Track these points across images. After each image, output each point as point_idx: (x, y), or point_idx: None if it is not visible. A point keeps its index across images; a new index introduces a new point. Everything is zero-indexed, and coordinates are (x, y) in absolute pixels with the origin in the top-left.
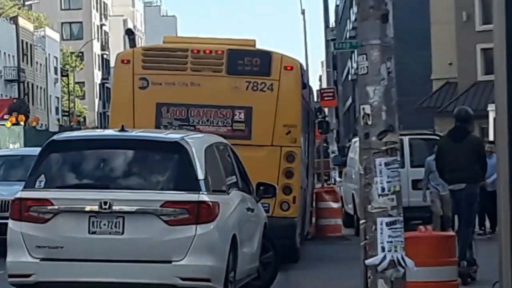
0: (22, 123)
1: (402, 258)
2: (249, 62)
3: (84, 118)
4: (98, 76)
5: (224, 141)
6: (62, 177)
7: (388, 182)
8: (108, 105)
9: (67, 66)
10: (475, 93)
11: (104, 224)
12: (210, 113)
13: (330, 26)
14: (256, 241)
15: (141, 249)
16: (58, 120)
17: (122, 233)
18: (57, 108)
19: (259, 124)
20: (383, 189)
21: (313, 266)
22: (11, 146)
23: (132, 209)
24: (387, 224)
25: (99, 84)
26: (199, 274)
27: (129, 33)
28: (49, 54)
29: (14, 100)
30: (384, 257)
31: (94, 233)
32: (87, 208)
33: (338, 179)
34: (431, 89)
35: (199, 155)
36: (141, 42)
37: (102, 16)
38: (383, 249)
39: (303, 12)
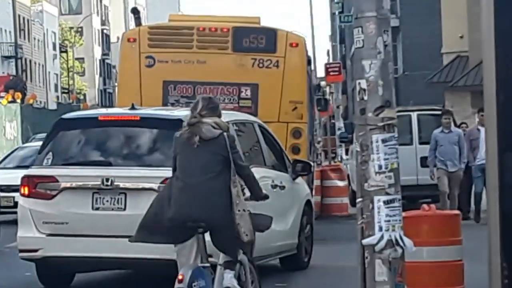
0: (18, 100)
1: (400, 237)
2: (254, 39)
3: (84, 95)
4: (98, 51)
5: (251, 118)
6: (68, 154)
7: (385, 159)
8: (109, 82)
9: (66, 42)
10: None
11: (107, 200)
12: (217, 90)
13: None
14: (291, 219)
15: None
16: (57, 97)
17: (124, 209)
18: (56, 85)
19: (266, 101)
20: (380, 167)
21: (315, 245)
22: (7, 124)
23: (133, 185)
24: (385, 202)
25: (99, 60)
26: None
27: (135, 11)
28: (47, 30)
29: (11, 77)
30: (382, 237)
31: (97, 209)
32: (90, 185)
33: (345, 156)
34: (441, 63)
35: None
36: (142, 15)
37: None
38: (380, 228)
39: None
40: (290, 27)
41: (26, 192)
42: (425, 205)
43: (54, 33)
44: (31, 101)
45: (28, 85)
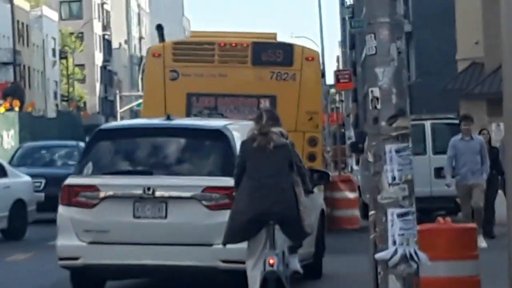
0: (16, 108)
1: (415, 252)
2: (272, 53)
3: (84, 103)
4: (99, 58)
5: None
6: (108, 164)
7: (399, 170)
8: (110, 89)
9: (66, 48)
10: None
11: (148, 209)
12: (237, 101)
13: (347, 3)
14: None
15: (184, 233)
16: (57, 105)
17: (165, 217)
18: (55, 93)
19: (283, 112)
20: (393, 178)
21: (327, 261)
22: (4, 133)
23: (174, 194)
24: (398, 215)
25: (100, 67)
26: (240, 256)
27: (159, 28)
28: (46, 35)
29: (9, 84)
30: (395, 251)
31: (138, 217)
32: (132, 194)
33: (355, 167)
34: (456, 70)
35: None
36: (145, 21)
37: None
38: (394, 242)
39: None
40: (298, 32)
41: (66, 200)
42: (440, 218)
43: (54, 39)
44: (29, 109)
45: (26, 93)
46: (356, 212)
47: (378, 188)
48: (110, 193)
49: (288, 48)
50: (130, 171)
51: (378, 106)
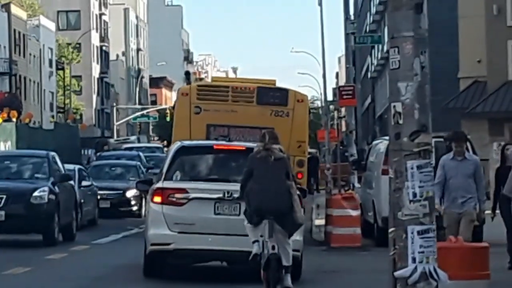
0: (14, 119)
1: (435, 270)
2: (272, 96)
3: (81, 115)
4: (96, 69)
5: (279, 147)
6: (193, 172)
7: (420, 187)
8: (107, 101)
9: (63, 59)
10: (505, 92)
11: (226, 208)
12: (244, 131)
13: (351, 18)
14: None
15: None
16: (53, 116)
17: (239, 214)
18: (51, 104)
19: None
20: (414, 195)
21: (329, 279)
22: (1, 144)
23: None
24: (419, 232)
25: (98, 79)
26: (297, 246)
27: (187, 74)
28: (43, 45)
29: (6, 95)
30: (415, 269)
31: (218, 214)
32: (214, 196)
33: (357, 185)
34: (458, 89)
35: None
36: (143, 33)
37: (102, 5)
38: (414, 260)
39: (320, 3)
40: (298, 47)
41: (160, 200)
42: (452, 237)
43: (51, 49)
44: (27, 120)
45: (22, 104)
46: (358, 230)
47: (398, 204)
48: (198, 195)
49: (284, 92)
50: (212, 179)
51: (400, 121)
